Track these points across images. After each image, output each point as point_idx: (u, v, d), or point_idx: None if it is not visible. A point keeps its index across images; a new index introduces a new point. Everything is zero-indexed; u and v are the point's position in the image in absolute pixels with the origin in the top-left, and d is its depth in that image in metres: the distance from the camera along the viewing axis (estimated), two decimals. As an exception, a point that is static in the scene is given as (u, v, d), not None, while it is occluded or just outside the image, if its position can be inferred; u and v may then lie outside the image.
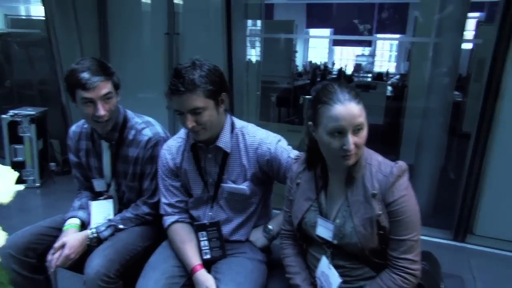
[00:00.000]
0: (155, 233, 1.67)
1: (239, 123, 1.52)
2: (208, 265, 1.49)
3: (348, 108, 1.09)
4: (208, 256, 1.51)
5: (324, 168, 1.26)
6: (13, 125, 3.64)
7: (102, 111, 1.50)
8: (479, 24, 6.35)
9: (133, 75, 3.70)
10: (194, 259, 1.45)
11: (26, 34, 4.94)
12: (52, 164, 4.11)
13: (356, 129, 1.11)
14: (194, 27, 3.65)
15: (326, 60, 12.93)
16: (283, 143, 1.49)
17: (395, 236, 1.15)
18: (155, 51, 3.81)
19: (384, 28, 11.43)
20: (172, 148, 1.55)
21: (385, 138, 4.69)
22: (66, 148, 1.82)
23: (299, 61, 12.22)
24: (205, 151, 1.50)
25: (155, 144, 1.63)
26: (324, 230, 1.22)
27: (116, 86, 1.58)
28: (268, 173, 1.50)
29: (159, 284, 1.40)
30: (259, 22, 4.14)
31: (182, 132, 1.57)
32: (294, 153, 1.45)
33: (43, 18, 3.70)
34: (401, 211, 1.13)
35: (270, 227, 1.55)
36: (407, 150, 4.36)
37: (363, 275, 1.22)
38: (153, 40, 3.87)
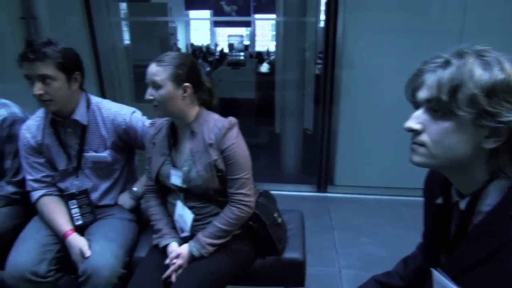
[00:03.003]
0: (25, 211, 1.72)
1: (94, 99, 1.67)
2: (81, 231, 1.62)
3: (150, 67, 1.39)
4: (80, 222, 1.64)
5: (174, 128, 1.49)
6: None
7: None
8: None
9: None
10: (65, 225, 1.58)
11: None
12: None
13: None
14: (53, 11, 3.45)
15: (209, 41, 13.20)
16: (138, 114, 1.69)
17: (230, 176, 1.44)
18: (9, 38, 3.46)
19: (261, 8, 11.92)
20: (32, 127, 1.62)
21: (259, 111, 5.09)
22: None
23: (182, 44, 12.24)
24: (64, 126, 1.61)
25: (12, 123, 1.67)
26: (176, 178, 1.47)
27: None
28: (126, 141, 1.68)
29: (32, 254, 1.50)
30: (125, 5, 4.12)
31: (40, 111, 1.65)
32: (148, 121, 1.65)
33: None
34: (233, 155, 1.42)
35: (134, 189, 1.74)
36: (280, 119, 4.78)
37: (211, 212, 1.49)
38: (4, 25, 3.53)
